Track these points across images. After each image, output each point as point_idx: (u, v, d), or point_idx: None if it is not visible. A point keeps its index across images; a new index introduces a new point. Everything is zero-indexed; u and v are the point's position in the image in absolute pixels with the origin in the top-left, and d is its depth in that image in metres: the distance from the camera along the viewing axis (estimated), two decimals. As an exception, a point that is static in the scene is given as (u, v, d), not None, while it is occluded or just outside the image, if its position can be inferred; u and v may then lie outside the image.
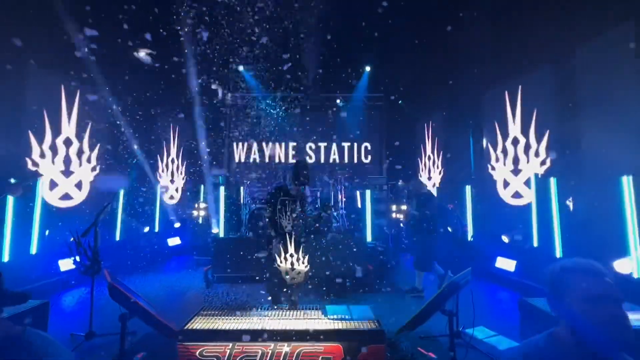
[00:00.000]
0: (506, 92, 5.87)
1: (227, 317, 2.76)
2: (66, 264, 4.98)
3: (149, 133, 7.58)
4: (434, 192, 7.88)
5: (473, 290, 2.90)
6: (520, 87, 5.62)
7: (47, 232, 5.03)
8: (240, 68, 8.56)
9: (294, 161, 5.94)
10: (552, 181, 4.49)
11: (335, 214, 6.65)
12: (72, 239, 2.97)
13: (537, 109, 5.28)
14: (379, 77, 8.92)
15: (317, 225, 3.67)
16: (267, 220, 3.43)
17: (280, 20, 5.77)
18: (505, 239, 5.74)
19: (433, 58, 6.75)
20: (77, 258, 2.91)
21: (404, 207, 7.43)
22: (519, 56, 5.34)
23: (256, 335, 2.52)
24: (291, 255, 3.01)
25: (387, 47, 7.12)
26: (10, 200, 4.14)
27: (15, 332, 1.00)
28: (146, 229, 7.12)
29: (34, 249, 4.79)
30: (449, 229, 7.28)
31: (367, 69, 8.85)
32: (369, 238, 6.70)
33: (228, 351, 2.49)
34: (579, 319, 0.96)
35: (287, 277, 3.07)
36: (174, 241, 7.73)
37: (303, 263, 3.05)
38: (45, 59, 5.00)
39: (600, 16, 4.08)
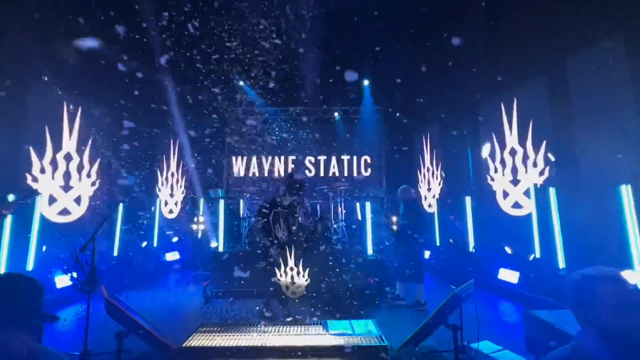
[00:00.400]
0: (502, 104, 5.96)
1: (226, 334, 2.70)
2: (62, 281, 4.90)
3: (149, 147, 7.62)
4: (434, 203, 7.88)
5: (476, 303, 2.86)
6: (515, 98, 5.71)
7: (44, 248, 4.97)
8: (241, 83, 8.70)
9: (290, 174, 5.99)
10: (552, 191, 4.50)
11: (335, 226, 6.61)
12: (70, 255, 2.93)
13: (532, 119, 5.35)
14: (377, 90, 9.06)
15: (317, 235, 3.66)
16: (260, 232, 3.43)
17: (278, 33, 5.91)
18: (508, 250, 5.69)
19: (430, 71, 6.88)
20: (74, 274, 2.87)
21: (394, 218, 7.43)
22: (513, 68, 5.45)
23: (256, 352, 2.46)
24: (291, 269, 2.97)
25: (385, 60, 7.26)
26: (8, 217, 4.11)
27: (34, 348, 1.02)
28: (144, 244, 7.05)
29: (30, 265, 4.73)
30: (451, 241, 7.23)
31: (366, 82, 9.00)
32: (369, 251, 6.65)
33: (227, 369, 2.42)
34: (609, 326, 0.95)
35: (288, 291, 3.02)
36: (173, 256, 7.64)
37: (303, 277, 3.01)
38: (47, 73, 5.10)
39: (590, 29, 4.20)
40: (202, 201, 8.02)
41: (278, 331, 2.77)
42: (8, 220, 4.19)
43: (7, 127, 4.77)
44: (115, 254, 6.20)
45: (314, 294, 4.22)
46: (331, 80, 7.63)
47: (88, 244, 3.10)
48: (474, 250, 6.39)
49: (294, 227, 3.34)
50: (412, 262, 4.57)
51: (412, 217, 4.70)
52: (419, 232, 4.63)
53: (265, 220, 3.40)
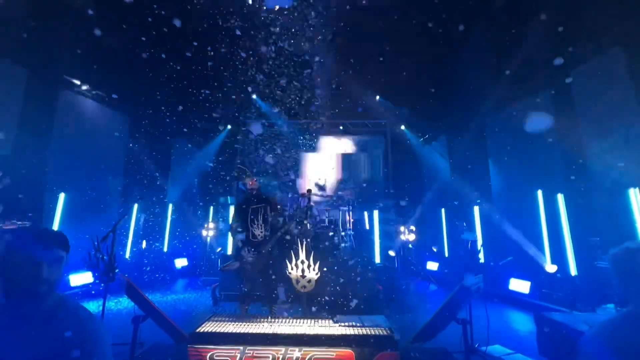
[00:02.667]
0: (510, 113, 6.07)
1: (237, 322, 2.75)
2: (77, 279, 5.02)
3: (165, 154, 7.92)
4: (443, 214, 7.87)
5: (488, 312, 2.86)
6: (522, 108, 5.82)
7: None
8: (254, 96, 9.06)
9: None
10: (560, 197, 4.52)
11: (343, 234, 6.64)
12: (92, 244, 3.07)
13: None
14: (386, 102, 9.28)
15: (301, 227, 3.70)
16: (236, 232, 3.47)
17: (288, 50, 6.23)
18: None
19: (436, 80, 7.07)
20: (100, 256, 2.99)
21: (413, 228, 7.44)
22: (519, 80, 5.60)
23: (267, 339, 2.50)
24: (302, 262, 3.04)
25: (392, 76, 7.50)
26: None
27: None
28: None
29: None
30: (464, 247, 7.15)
31: (377, 97, 9.22)
32: (377, 259, 6.64)
33: (239, 355, 2.46)
34: None
35: (298, 285, 3.07)
36: (182, 262, 7.71)
37: (314, 270, 3.07)
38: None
39: (592, 42, 4.36)
40: (211, 208, 8.17)
41: (288, 322, 2.80)
42: None
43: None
44: (127, 256, 6.33)
45: (321, 301, 4.23)
46: (342, 93, 7.89)
47: (109, 235, 3.25)
48: (483, 261, 6.31)
49: (269, 225, 3.38)
50: None
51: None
52: None
53: (242, 218, 3.43)
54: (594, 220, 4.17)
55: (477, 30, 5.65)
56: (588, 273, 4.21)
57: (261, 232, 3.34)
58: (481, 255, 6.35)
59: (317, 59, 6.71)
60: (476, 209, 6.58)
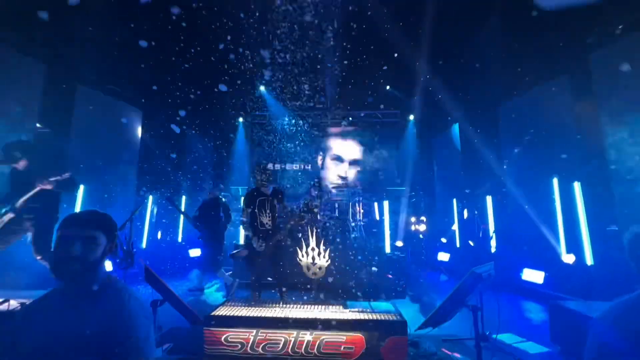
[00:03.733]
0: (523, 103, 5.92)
1: (251, 307, 2.84)
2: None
3: (179, 146, 8.08)
4: (454, 204, 7.79)
5: (499, 303, 2.85)
6: (538, 94, 5.65)
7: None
8: (262, 88, 9.08)
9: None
10: (577, 186, 4.40)
11: (353, 225, 6.67)
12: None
13: (557, 115, 5.27)
14: (396, 92, 9.15)
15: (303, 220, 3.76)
16: (245, 222, 3.55)
17: (298, 37, 6.19)
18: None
19: (446, 70, 6.91)
20: (119, 242, 3.11)
21: (423, 219, 7.39)
22: (535, 67, 5.43)
23: (279, 322, 2.57)
24: (312, 249, 3.09)
25: (403, 67, 7.36)
26: None
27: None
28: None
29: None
30: (471, 243, 7.09)
31: (388, 87, 9.09)
32: (387, 249, 6.65)
33: (252, 337, 2.55)
34: None
35: (309, 272, 3.13)
36: (195, 252, 7.92)
37: (324, 257, 3.11)
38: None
39: (611, 26, 4.17)
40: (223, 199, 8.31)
41: (300, 307, 2.87)
42: None
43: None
44: (144, 246, 6.54)
45: (332, 287, 4.30)
46: (351, 84, 7.83)
47: (126, 224, 3.37)
48: (495, 251, 6.24)
49: (282, 212, 3.44)
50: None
51: None
52: None
53: (250, 209, 3.51)
54: (611, 208, 4.05)
55: (492, 14, 5.47)
56: (605, 263, 4.12)
57: (269, 220, 3.42)
58: (493, 243, 6.28)
59: (326, 47, 6.66)
60: (489, 198, 6.47)
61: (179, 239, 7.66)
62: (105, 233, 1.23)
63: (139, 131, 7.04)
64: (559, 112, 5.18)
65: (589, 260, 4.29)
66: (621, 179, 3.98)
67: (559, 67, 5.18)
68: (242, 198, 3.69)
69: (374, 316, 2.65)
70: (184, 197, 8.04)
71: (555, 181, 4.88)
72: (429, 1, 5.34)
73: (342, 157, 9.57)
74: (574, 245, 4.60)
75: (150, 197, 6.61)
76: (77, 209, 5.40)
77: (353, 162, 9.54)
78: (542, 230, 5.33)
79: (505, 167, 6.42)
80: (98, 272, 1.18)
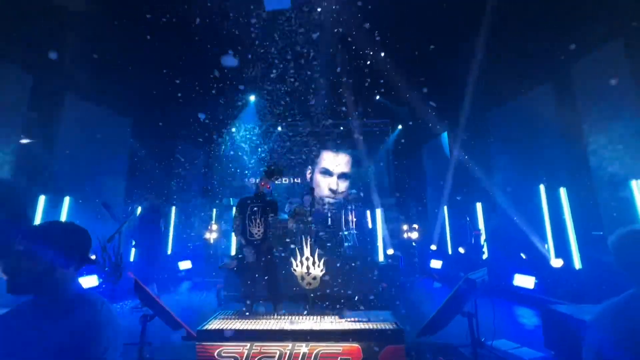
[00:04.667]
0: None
1: (244, 319, 2.77)
2: (82, 283, 5.03)
3: (168, 156, 7.96)
4: (445, 211, 7.87)
5: (493, 308, 2.87)
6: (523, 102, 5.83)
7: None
8: (252, 98, 9.10)
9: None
10: (563, 191, 4.52)
11: (346, 233, 6.66)
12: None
13: (541, 119, 5.42)
14: (385, 102, 9.31)
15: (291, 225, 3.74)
16: (235, 230, 3.50)
17: (290, 48, 6.26)
18: (523, 255, 5.62)
19: (434, 78, 7.07)
20: (107, 256, 3.02)
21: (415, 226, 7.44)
22: (519, 75, 5.60)
23: (274, 335, 2.51)
24: (307, 259, 3.06)
25: (393, 77, 7.51)
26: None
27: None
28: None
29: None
30: (462, 250, 7.15)
31: (377, 97, 9.24)
32: (380, 258, 6.65)
33: (246, 351, 2.48)
34: None
35: (303, 282, 3.09)
36: (185, 265, 7.72)
37: (319, 267, 3.08)
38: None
39: (593, 33, 4.36)
40: (214, 211, 8.20)
41: (294, 318, 2.82)
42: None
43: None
44: (132, 259, 6.35)
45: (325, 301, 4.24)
46: (341, 93, 7.93)
47: (115, 235, 3.27)
48: (487, 257, 6.31)
49: (270, 221, 3.41)
50: None
51: None
52: None
53: (242, 217, 3.47)
54: (597, 213, 4.17)
55: (478, 24, 5.65)
56: (593, 267, 4.21)
57: (259, 231, 3.37)
58: (485, 250, 6.35)
59: (317, 60, 6.76)
60: (479, 205, 6.58)
61: (169, 251, 7.47)
62: (51, 245, 1.19)
63: (128, 141, 6.93)
64: (545, 120, 5.36)
65: (577, 264, 4.37)
66: (604, 184, 4.11)
67: (543, 75, 5.38)
68: (235, 208, 3.64)
69: (370, 325, 2.61)
70: (173, 208, 7.89)
71: (542, 187, 5.00)
72: (416, 11, 5.50)
73: (330, 171, 9.61)
74: (563, 250, 4.70)
75: (139, 208, 6.45)
76: (63, 220, 5.23)
77: (342, 176, 9.57)
78: (530, 236, 5.43)
79: (493, 174, 6.57)
80: (47, 284, 1.15)
